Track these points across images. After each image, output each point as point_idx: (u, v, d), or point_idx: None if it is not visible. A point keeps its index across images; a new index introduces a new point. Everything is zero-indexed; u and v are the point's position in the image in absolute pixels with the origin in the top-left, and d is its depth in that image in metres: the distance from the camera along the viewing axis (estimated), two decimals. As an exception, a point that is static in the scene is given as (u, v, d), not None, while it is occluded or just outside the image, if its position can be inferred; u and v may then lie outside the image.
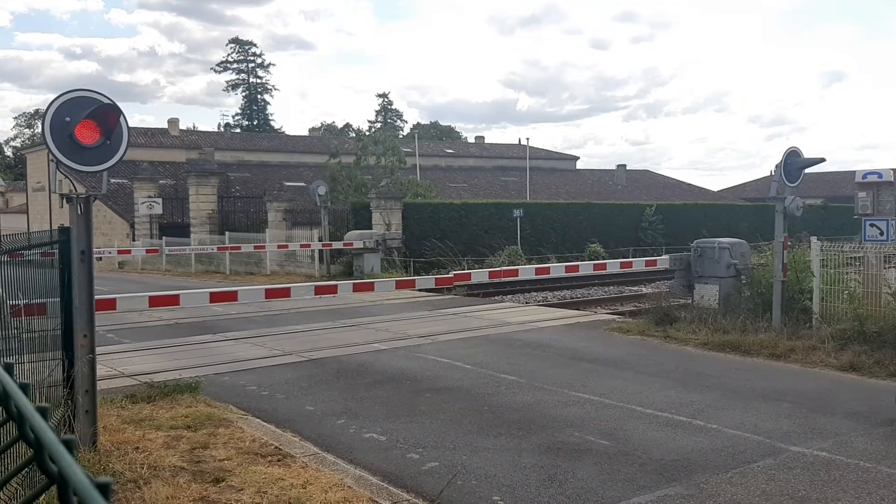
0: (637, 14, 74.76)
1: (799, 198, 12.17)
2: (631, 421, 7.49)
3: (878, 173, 12.03)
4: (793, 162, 12.11)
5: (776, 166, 12.15)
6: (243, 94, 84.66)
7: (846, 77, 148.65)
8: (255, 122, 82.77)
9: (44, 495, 1.35)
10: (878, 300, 10.91)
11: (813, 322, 11.43)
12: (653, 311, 13.34)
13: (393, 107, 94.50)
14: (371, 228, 26.22)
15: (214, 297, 9.68)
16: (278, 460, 6.21)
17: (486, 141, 73.00)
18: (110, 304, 8.48)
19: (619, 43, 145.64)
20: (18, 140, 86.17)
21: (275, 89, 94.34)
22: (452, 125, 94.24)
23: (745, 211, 42.12)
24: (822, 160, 13.74)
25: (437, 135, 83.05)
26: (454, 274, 11.96)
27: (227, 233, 30.87)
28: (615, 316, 15.36)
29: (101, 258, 30.03)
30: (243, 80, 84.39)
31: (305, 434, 7.10)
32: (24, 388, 1.38)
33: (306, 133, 72.77)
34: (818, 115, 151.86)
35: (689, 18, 74.74)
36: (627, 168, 66.44)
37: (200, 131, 61.45)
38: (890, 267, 11.61)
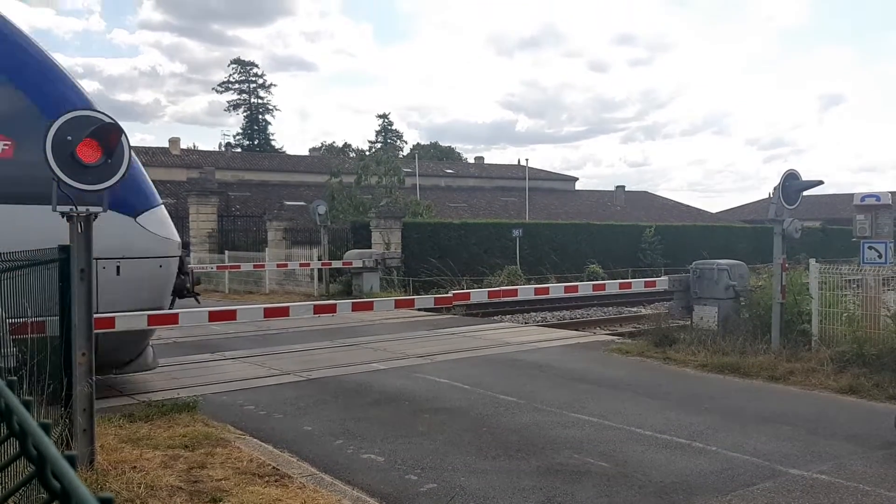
0: (635, 37, 75.53)
1: (797, 220, 12.20)
2: (630, 443, 7.46)
3: (877, 196, 12.07)
4: (791, 184, 12.15)
5: (774, 189, 12.19)
6: (244, 113, 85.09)
7: (844, 100, 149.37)
8: (256, 142, 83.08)
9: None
10: (876, 323, 10.91)
11: (812, 344, 11.41)
12: (652, 333, 13.34)
13: (393, 127, 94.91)
14: (371, 248, 26.26)
15: (213, 316, 9.68)
16: (276, 480, 6.18)
17: (486, 161, 73.29)
18: (108, 323, 8.46)
19: (618, 65, 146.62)
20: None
21: (276, 109, 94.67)
22: (452, 146, 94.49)
23: (743, 233, 42.20)
24: (820, 183, 13.79)
25: (436, 155, 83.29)
26: (453, 293, 11.95)
27: (226, 251, 30.88)
28: (614, 337, 15.34)
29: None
30: (244, 100, 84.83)
31: (303, 454, 7.08)
32: (27, 404, 1.39)
33: (307, 153, 73.05)
34: (816, 138, 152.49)
35: (687, 42, 75.43)
36: (626, 189, 66.68)
37: (201, 150, 61.71)
38: (888, 290, 11.62)
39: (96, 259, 6.87)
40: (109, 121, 6.27)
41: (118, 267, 8.75)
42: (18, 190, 8.02)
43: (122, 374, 9.71)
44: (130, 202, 8.80)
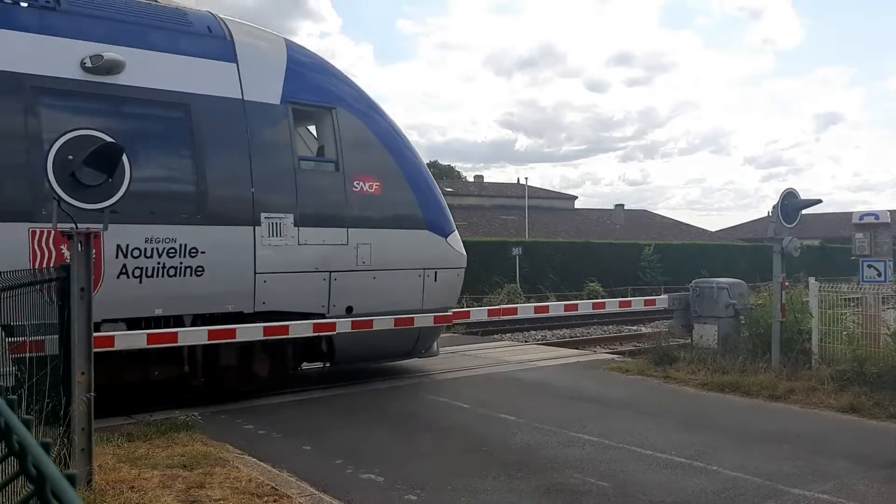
0: (632, 57, 76.19)
1: (796, 238, 12.22)
2: (631, 462, 7.43)
3: (875, 214, 12.10)
4: (790, 203, 12.18)
5: (773, 207, 12.22)
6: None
7: (841, 119, 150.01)
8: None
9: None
10: (876, 341, 10.90)
11: (812, 363, 11.39)
12: (652, 351, 13.32)
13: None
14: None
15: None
16: (274, 500, 6.14)
17: (485, 180, 73.42)
18: (108, 342, 8.46)
19: (616, 85, 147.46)
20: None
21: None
22: (451, 164, 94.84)
23: (742, 251, 42.25)
24: (819, 201, 13.82)
25: (436, 174, 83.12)
26: (452, 312, 11.94)
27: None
28: (614, 355, 15.31)
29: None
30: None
31: (302, 474, 7.04)
32: (27, 423, 1.39)
33: (306, 172, 72.94)
34: (814, 157, 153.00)
35: (685, 62, 76.01)
36: (625, 208, 66.76)
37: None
38: (888, 308, 11.61)
39: (423, 269, 11.51)
40: (111, 141, 6.31)
41: (436, 274, 11.76)
42: (387, 216, 11.29)
43: (423, 357, 12.52)
44: (442, 227, 12.08)
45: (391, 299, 11.10)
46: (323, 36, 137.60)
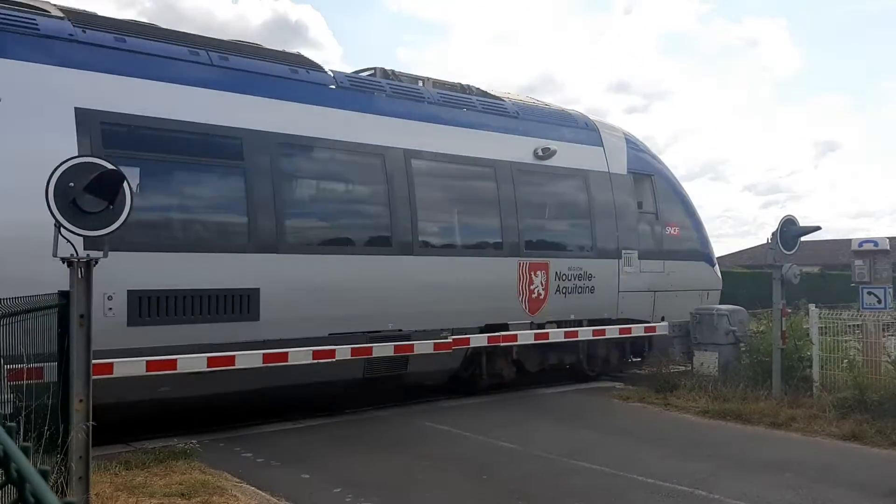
0: (631, 85, 76.77)
1: (796, 265, 12.23)
2: (632, 491, 7.38)
3: (874, 241, 12.12)
4: (789, 230, 12.21)
5: (772, 234, 12.25)
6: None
7: (839, 147, 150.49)
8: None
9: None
10: (877, 368, 10.87)
11: (813, 390, 11.35)
12: (653, 379, 13.26)
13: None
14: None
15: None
16: (273, 529, 6.09)
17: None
18: (107, 369, 8.43)
19: (615, 113, 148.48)
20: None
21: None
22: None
23: (742, 278, 42.19)
24: (818, 228, 13.85)
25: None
26: (452, 339, 11.89)
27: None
28: (615, 382, 15.23)
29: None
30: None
31: (301, 503, 6.98)
32: (26, 450, 1.38)
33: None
34: (813, 184, 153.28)
35: (683, 89, 76.50)
36: (625, 235, 66.65)
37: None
38: (889, 335, 11.59)
39: (701, 290, 15.61)
40: (112, 168, 6.33)
41: (708, 294, 15.73)
42: (683, 251, 15.40)
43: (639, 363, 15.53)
44: (712, 258, 16.45)
45: (684, 312, 14.27)
46: (324, 64, 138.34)
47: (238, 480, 7.61)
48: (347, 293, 10.53)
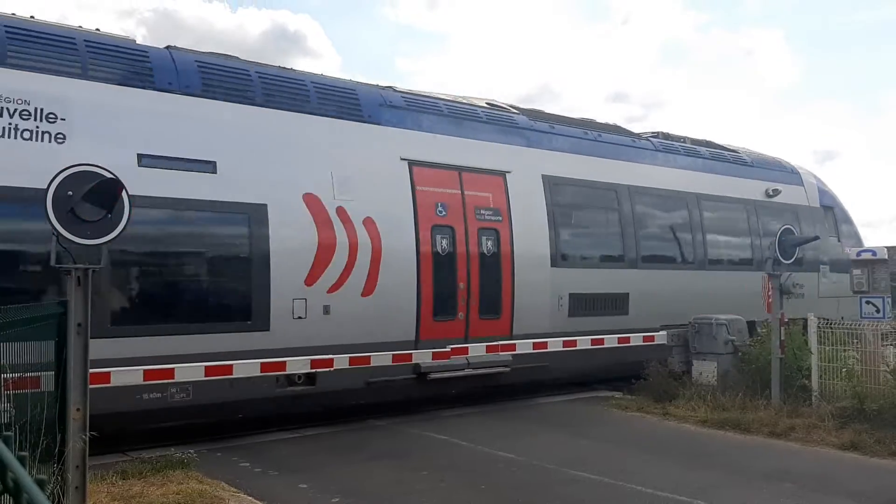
0: (629, 94, 76.88)
1: (794, 274, 12.23)
2: (631, 500, 7.35)
3: (873, 251, 12.16)
4: (787, 239, 12.23)
5: (771, 244, 12.26)
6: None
7: (838, 155, 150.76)
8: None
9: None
10: (876, 378, 10.85)
11: (812, 399, 11.33)
12: (651, 388, 13.23)
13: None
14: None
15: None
16: (270, 540, 6.06)
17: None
18: (104, 378, 8.41)
19: (613, 122, 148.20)
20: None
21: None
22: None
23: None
24: (816, 238, 13.90)
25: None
26: (451, 348, 11.88)
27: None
28: (614, 392, 15.21)
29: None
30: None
31: (299, 512, 6.95)
32: (22, 459, 1.37)
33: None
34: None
35: (681, 98, 76.76)
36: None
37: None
38: (888, 345, 11.57)
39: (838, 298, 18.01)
40: (110, 176, 6.32)
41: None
42: (841, 265, 18.07)
43: None
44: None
45: (852, 312, 15.51)
46: (322, 73, 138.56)
47: (235, 490, 7.59)
48: (671, 296, 14.45)
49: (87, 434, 6.09)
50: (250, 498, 7.35)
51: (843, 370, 11.21)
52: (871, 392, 10.50)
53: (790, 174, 18.67)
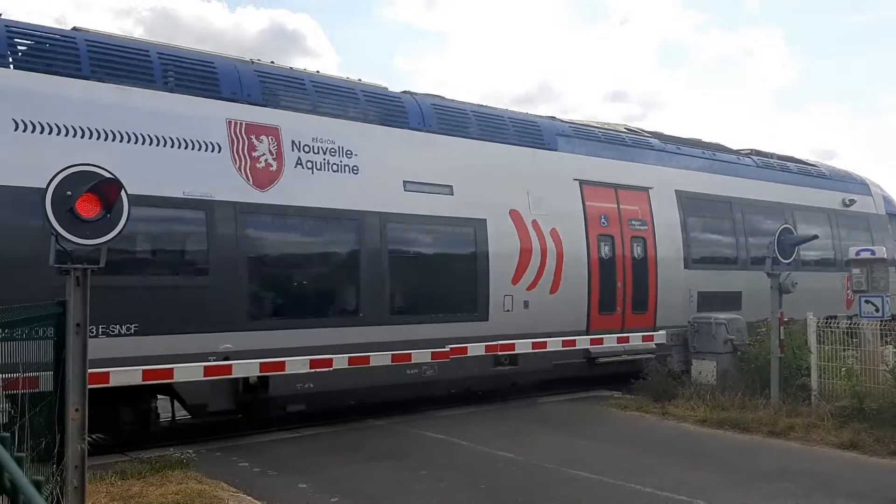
0: (628, 94, 76.82)
1: (793, 273, 12.23)
2: (631, 500, 7.35)
3: (871, 250, 12.16)
4: (786, 238, 12.22)
5: (770, 243, 12.26)
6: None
7: (837, 155, 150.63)
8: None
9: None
10: (875, 377, 10.86)
11: (812, 399, 11.33)
12: (650, 388, 13.23)
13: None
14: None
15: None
16: (270, 540, 6.06)
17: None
18: (104, 378, 8.41)
19: (612, 121, 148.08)
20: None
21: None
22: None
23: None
24: (815, 237, 13.90)
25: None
26: (450, 348, 11.88)
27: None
28: (613, 392, 15.21)
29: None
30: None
31: (298, 512, 6.95)
32: (19, 460, 1.37)
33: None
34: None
35: (680, 98, 76.72)
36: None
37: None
38: (887, 344, 11.58)
39: None
40: (109, 176, 6.32)
41: None
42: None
43: None
44: None
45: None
46: (321, 71, 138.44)
47: (235, 490, 7.58)
48: (755, 294, 14.89)
49: (86, 434, 6.08)
50: (249, 498, 7.35)
51: (843, 369, 11.21)
52: (871, 391, 10.51)
53: (860, 185, 20.62)
